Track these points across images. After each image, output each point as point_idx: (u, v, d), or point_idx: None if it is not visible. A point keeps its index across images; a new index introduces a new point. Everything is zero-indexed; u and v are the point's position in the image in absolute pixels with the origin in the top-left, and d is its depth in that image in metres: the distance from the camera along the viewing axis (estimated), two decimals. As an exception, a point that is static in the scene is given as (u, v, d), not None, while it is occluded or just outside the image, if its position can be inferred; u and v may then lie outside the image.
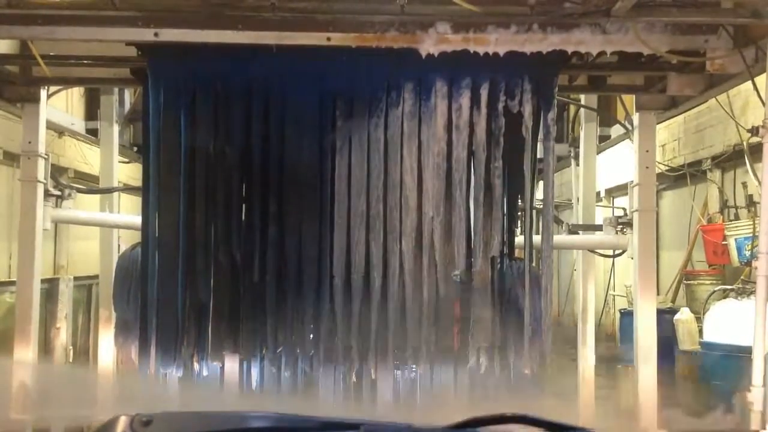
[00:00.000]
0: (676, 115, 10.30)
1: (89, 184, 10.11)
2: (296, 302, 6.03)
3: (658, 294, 9.87)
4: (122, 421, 2.43)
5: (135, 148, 10.10)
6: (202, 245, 6.01)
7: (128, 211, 9.95)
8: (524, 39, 5.58)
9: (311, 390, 6.23)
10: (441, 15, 5.51)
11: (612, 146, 9.90)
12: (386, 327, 6.03)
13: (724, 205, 10.73)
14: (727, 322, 8.85)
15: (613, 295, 15.00)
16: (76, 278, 10.47)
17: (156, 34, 5.58)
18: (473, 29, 5.57)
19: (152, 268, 6.06)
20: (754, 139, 6.67)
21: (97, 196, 9.11)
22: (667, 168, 11.95)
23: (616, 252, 8.39)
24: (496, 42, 5.58)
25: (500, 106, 6.00)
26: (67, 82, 7.68)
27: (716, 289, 10.15)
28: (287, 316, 6.04)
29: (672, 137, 12.22)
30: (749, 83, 5.92)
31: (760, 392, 5.21)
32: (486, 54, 5.64)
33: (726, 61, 5.70)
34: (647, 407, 6.96)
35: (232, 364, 6.19)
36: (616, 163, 11.02)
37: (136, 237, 6.86)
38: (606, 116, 9.20)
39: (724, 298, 9.65)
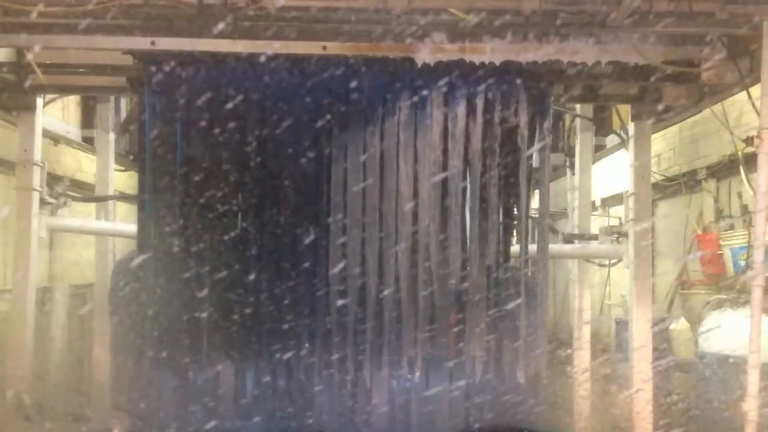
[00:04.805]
0: (671, 125, 10.32)
1: (85, 192, 10.07)
2: (291, 311, 6.02)
3: (653, 303, 9.85)
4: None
5: (131, 157, 10.07)
6: (197, 253, 6.00)
7: (124, 220, 9.91)
8: (520, 48, 5.61)
9: (306, 398, 6.21)
10: (437, 24, 5.53)
11: (607, 155, 9.91)
12: (381, 335, 6.02)
13: (719, 215, 10.73)
14: (723, 331, 8.83)
15: (609, 305, 14.96)
16: (71, 286, 10.42)
17: (152, 43, 5.60)
18: (469, 38, 5.59)
19: (148, 276, 6.05)
20: (749, 149, 6.69)
21: (93, 205, 9.09)
22: (662, 178, 11.95)
23: (612, 261, 8.38)
24: (491, 51, 5.61)
25: (496, 115, 6.01)
26: (63, 90, 7.68)
27: (712, 298, 10.12)
28: (282, 324, 6.02)
29: (668, 147, 12.22)
30: (744, 93, 5.94)
31: (755, 402, 5.21)
32: (482, 63, 5.65)
33: (721, 71, 5.72)
34: (642, 417, 6.96)
35: (227, 373, 6.17)
36: (612, 173, 11.02)
37: (131, 245, 6.84)
38: (602, 126, 9.21)
39: (720, 307, 9.62)
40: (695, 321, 10.09)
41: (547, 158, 6.23)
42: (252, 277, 5.99)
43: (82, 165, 10.77)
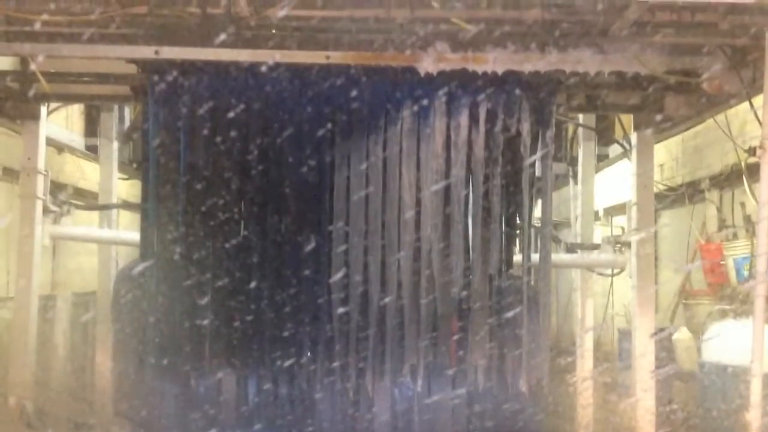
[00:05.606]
0: (673, 135, 10.32)
1: (88, 200, 10.10)
2: (293, 318, 6.03)
3: (656, 313, 9.84)
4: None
5: (134, 165, 10.10)
6: (199, 261, 6.01)
7: (127, 228, 9.93)
8: (522, 58, 5.63)
9: (307, 406, 6.20)
10: (439, 34, 5.55)
11: (610, 165, 9.91)
12: (383, 343, 6.02)
13: (722, 225, 10.71)
14: (726, 341, 8.82)
15: (612, 314, 14.92)
16: (73, 294, 10.45)
17: (156, 52, 5.63)
18: (472, 48, 5.61)
19: (150, 284, 6.06)
20: (752, 159, 6.69)
21: (96, 213, 9.11)
22: (665, 187, 11.94)
23: (615, 271, 8.38)
24: (494, 61, 5.63)
25: (498, 124, 6.03)
26: (67, 99, 7.71)
27: (715, 308, 10.09)
28: (284, 332, 6.03)
29: (670, 157, 12.22)
30: (746, 103, 5.95)
31: (757, 412, 5.20)
32: (484, 73, 5.67)
33: (722, 81, 5.73)
34: (643, 426, 6.95)
35: (229, 380, 6.17)
36: (615, 182, 11.02)
37: (134, 253, 6.85)
38: (604, 135, 9.22)
39: (723, 317, 9.59)
40: (698, 331, 10.07)
41: (550, 167, 6.24)
42: (254, 284, 6.00)
43: (86, 173, 10.79)
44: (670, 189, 11.90)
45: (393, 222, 6.02)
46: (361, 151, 6.03)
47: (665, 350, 9.49)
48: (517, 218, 6.26)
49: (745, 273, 9.44)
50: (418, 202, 6.03)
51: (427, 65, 5.66)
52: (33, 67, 6.05)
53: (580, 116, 8.88)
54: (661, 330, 9.47)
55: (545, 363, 6.15)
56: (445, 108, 6.02)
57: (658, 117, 7.03)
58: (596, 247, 8.36)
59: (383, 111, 6.03)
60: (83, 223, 8.84)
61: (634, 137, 7.39)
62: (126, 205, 10.10)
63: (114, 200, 8.86)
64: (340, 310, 6.00)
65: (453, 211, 6.03)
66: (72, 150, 9.72)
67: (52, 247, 9.84)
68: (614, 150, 9.23)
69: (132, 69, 6.18)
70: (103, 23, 5.41)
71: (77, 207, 8.01)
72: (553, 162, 6.43)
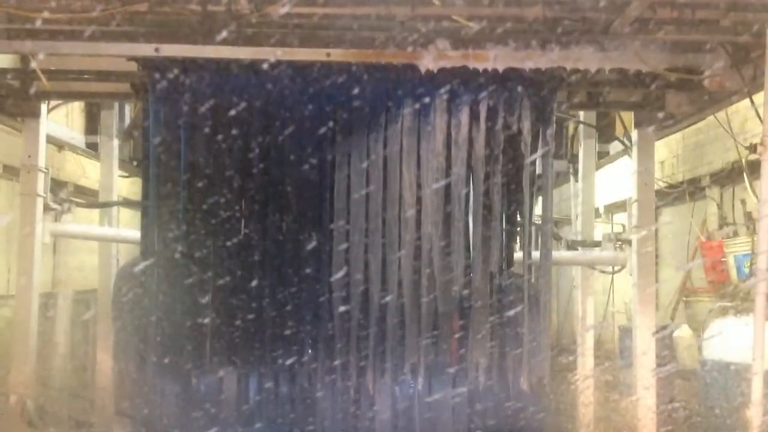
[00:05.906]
0: (674, 132, 10.32)
1: (89, 198, 10.09)
2: (294, 317, 6.02)
3: (657, 310, 9.84)
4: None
5: (135, 163, 10.10)
6: (200, 259, 6.01)
7: (127, 226, 9.93)
8: (523, 55, 5.62)
9: (308, 405, 6.20)
10: (440, 32, 5.54)
11: (611, 162, 9.91)
12: (384, 342, 6.02)
13: (723, 222, 10.70)
14: (727, 339, 8.81)
15: (612, 312, 14.92)
16: (74, 292, 10.45)
17: (157, 50, 5.62)
18: (473, 45, 5.60)
19: (151, 282, 6.06)
20: (753, 156, 6.69)
21: (97, 211, 9.11)
22: (666, 185, 11.94)
23: (616, 268, 8.39)
24: (495, 58, 5.62)
25: (499, 122, 6.02)
26: (67, 96, 7.71)
27: (715, 305, 10.09)
28: (285, 330, 6.02)
29: (671, 154, 12.21)
30: (747, 100, 5.95)
31: (758, 409, 5.20)
32: (485, 70, 5.66)
33: (723, 78, 5.73)
34: (645, 424, 6.95)
35: (230, 379, 6.17)
36: (615, 180, 11.02)
37: (134, 251, 6.85)
38: (605, 133, 9.21)
39: (724, 315, 9.59)
40: (699, 328, 10.06)
41: (550, 165, 6.24)
42: (255, 283, 6.00)
43: (86, 171, 10.78)
44: (671, 186, 11.89)
45: (394, 220, 6.02)
46: (362, 149, 6.02)
47: (666, 348, 9.49)
48: (518, 216, 6.25)
49: (746, 270, 9.43)
50: (419, 200, 6.03)
51: (428, 63, 5.65)
52: (33, 64, 6.05)
53: (581, 113, 8.88)
54: (663, 328, 9.46)
55: (546, 361, 6.15)
56: (446, 105, 6.01)
57: (659, 114, 7.02)
58: (597, 244, 8.36)
59: (384, 109, 6.03)
60: (84, 221, 8.84)
61: (634, 134, 7.39)
62: (127, 203, 10.10)
63: (114, 198, 8.86)
64: (341, 308, 5.99)
65: (453, 209, 6.02)
66: (72, 147, 9.72)
67: (53, 245, 9.84)
68: (615, 147, 9.23)
69: (132, 66, 6.17)
70: (103, 20, 5.40)
71: (78, 205, 7.99)
72: (553, 159, 6.43)
